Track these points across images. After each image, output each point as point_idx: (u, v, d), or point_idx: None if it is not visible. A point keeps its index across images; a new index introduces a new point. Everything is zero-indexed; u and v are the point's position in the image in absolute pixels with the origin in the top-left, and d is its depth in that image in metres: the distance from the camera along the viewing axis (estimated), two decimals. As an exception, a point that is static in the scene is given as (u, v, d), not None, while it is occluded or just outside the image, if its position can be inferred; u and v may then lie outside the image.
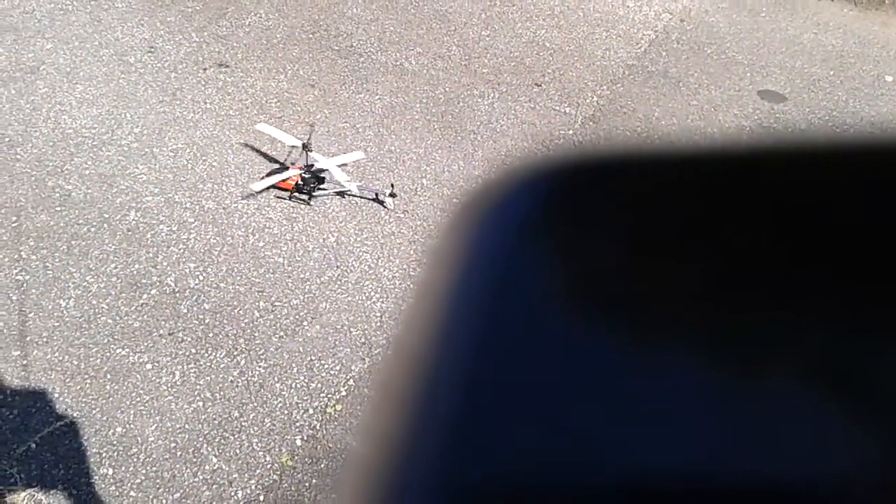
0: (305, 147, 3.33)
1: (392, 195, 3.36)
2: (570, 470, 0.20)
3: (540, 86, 4.30)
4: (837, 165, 0.26)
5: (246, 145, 3.63)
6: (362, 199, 3.41)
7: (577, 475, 0.20)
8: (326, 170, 3.36)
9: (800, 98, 4.34)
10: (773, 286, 0.22)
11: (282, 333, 2.84)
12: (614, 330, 0.22)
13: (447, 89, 4.19)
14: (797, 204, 0.24)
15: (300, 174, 3.33)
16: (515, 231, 0.26)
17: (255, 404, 2.61)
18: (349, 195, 3.40)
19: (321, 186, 3.37)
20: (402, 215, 3.40)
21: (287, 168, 3.42)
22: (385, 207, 3.39)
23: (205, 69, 4.16)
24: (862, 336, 0.21)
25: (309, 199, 3.36)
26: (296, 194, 3.35)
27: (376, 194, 3.39)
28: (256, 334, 2.82)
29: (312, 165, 3.36)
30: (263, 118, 3.81)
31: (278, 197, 3.38)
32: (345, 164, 3.44)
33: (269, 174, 3.40)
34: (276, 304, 2.94)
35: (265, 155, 3.57)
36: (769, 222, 0.23)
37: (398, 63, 4.37)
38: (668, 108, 4.19)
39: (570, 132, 4.01)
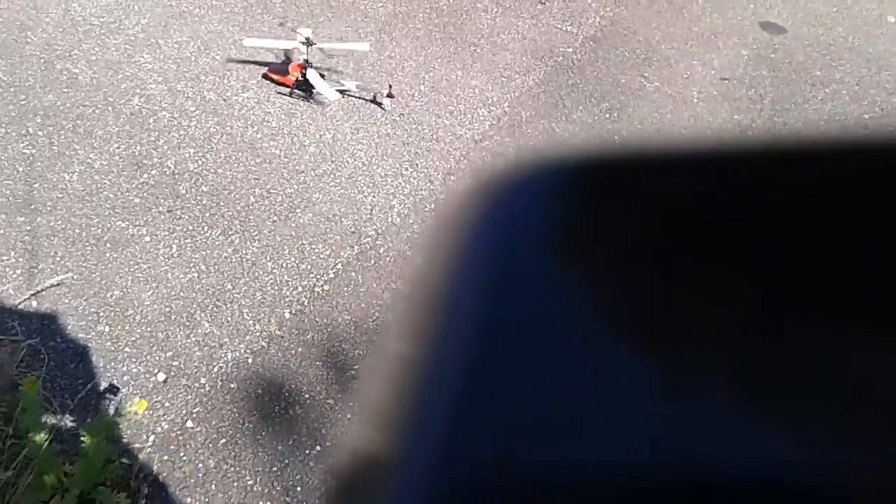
0: (308, 42, 3.41)
1: (390, 95, 3.45)
2: (571, 468, 0.20)
3: (544, 3, 4.34)
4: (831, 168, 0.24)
5: (240, 62, 3.70)
6: (360, 101, 3.49)
7: (579, 474, 0.20)
8: (328, 69, 3.46)
9: (800, 31, 4.38)
10: (779, 287, 0.22)
11: (275, 218, 2.96)
12: (618, 330, 0.22)
13: (451, 1, 4.23)
14: (803, 204, 0.23)
15: (300, 69, 3.41)
16: (516, 227, 0.25)
17: (248, 279, 2.74)
18: (348, 95, 3.48)
19: (321, 86, 3.46)
20: (397, 118, 3.49)
21: (289, 62, 3.50)
22: (382, 109, 3.47)
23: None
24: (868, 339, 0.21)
25: (309, 95, 3.44)
26: (296, 91, 3.44)
27: (374, 96, 3.48)
28: (251, 217, 2.94)
29: (311, 63, 3.44)
30: (268, 17, 3.87)
31: (278, 93, 3.46)
32: (349, 52, 3.60)
33: (271, 69, 3.49)
34: (272, 191, 3.06)
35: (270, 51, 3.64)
36: (762, 222, 0.23)
37: (404, -27, 4.40)
38: (669, 33, 4.24)
39: (570, 50, 4.07)
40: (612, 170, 0.27)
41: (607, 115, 3.74)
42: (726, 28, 4.32)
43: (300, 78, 3.41)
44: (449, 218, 0.27)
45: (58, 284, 2.61)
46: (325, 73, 3.47)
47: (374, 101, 3.49)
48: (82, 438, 2.17)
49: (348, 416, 2.49)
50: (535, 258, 0.25)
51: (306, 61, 3.42)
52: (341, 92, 3.48)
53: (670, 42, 4.17)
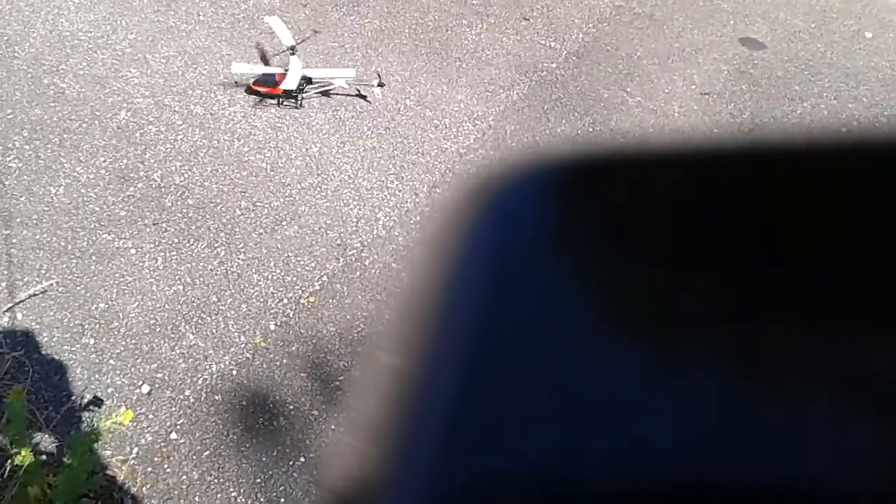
0: (292, 50, 3.47)
1: (381, 84, 3.58)
2: (572, 468, 0.20)
3: (528, 20, 4.40)
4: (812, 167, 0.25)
5: (234, 62, 3.73)
6: (347, 116, 3.53)
7: (581, 474, 0.20)
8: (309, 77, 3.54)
9: (779, 47, 4.46)
10: (769, 286, 0.22)
11: (261, 231, 2.98)
12: (613, 338, 0.22)
13: (436, 17, 4.29)
14: (787, 202, 0.23)
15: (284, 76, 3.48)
16: (513, 226, 0.25)
17: (233, 291, 2.76)
18: (334, 93, 3.56)
19: (308, 87, 3.53)
20: (383, 132, 3.53)
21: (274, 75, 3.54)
22: (367, 101, 3.57)
23: (200, -17, 4.24)
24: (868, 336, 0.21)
25: (298, 103, 3.49)
26: (285, 101, 3.48)
27: (359, 90, 3.57)
28: (237, 230, 2.97)
29: (295, 50, 3.53)
30: (255, 32, 3.90)
31: (269, 101, 3.50)
32: (331, 80, 3.59)
33: (257, 80, 3.53)
34: (258, 204, 3.08)
35: (262, 56, 3.67)
36: (756, 219, 0.23)
37: (390, -11, 4.45)
38: (651, 49, 4.30)
39: (554, 65, 4.12)
40: (595, 171, 0.27)
41: (590, 129, 3.79)
42: (706, 44, 4.39)
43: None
44: (437, 226, 0.26)
45: (42, 293, 2.62)
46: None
47: (359, 94, 3.58)
48: (66, 450, 2.17)
49: (339, 428, 2.51)
50: (527, 263, 0.24)
51: (292, 48, 3.51)
52: (325, 93, 3.54)
53: (651, 58, 4.23)
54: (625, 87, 4.05)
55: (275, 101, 3.51)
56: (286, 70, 3.48)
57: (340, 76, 3.62)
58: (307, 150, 3.35)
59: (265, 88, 3.48)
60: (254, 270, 2.83)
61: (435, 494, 0.21)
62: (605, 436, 0.20)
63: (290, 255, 2.92)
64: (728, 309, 0.22)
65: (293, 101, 3.50)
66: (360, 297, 2.86)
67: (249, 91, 3.53)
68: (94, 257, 2.77)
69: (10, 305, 2.57)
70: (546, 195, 0.26)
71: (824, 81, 4.27)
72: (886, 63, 4.51)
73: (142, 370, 2.51)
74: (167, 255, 2.83)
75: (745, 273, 0.22)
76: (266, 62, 3.58)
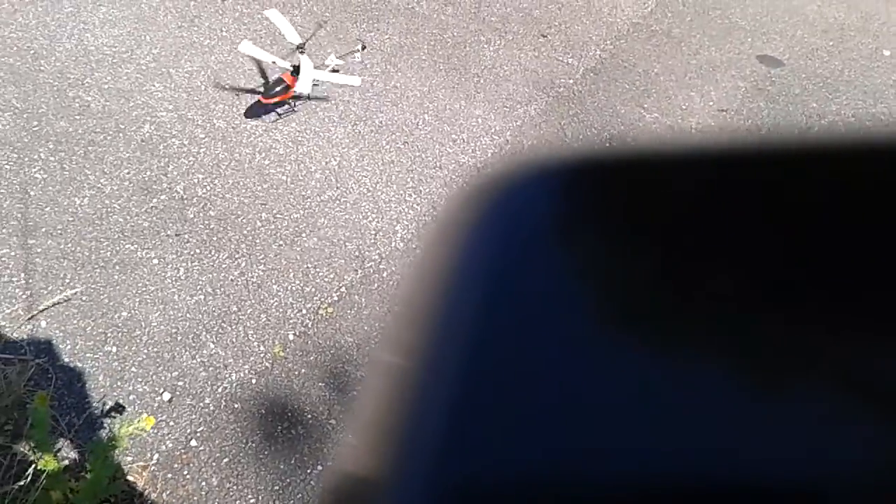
0: (301, 48, 3.51)
1: (363, 47, 3.81)
2: (573, 466, 0.20)
3: (545, 36, 4.44)
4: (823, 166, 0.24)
5: (238, 68, 3.79)
6: (367, 131, 3.57)
7: (581, 472, 0.20)
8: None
9: (797, 64, 4.47)
10: (772, 286, 0.22)
11: (281, 242, 3.02)
12: (619, 327, 0.22)
13: (455, 34, 4.34)
14: (794, 204, 0.23)
15: (290, 74, 3.51)
16: (517, 227, 0.25)
17: (253, 301, 2.79)
18: (320, 83, 3.64)
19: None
20: (402, 146, 3.57)
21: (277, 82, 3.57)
22: (353, 86, 3.70)
23: (223, 0, 4.31)
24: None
25: (294, 106, 3.60)
26: (295, 104, 3.57)
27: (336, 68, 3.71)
28: (257, 241, 3.00)
29: (304, 48, 3.54)
30: (277, 48, 3.96)
31: (287, 106, 3.58)
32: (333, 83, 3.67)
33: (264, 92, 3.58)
34: (278, 216, 3.12)
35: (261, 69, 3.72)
36: (762, 222, 0.23)
37: (410, 6, 4.51)
38: (668, 66, 4.33)
39: (571, 81, 4.15)
40: (597, 170, 0.27)
41: (607, 145, 3.80)
42: (724, 61, 4.41)
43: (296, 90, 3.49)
44: (440, 226, 0.26)
45: (66, 301, 2.66)
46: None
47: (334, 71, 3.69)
48: (88, 456, 2.20)
49: (348, 434, 2.52)
50: (529, 262, 0.24)
51: (300, 46, 3.52)
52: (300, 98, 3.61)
53: (669, 74, 4.25)
54: (642, 103, 4.08)
55: (285, 110, 3.56)
56: (293, 68, 3.49)
57: (345, 83, 3.67)
58: (327, 163, 3.40)
59: (276, 98, 3.52)
60: (273, 281, 2.87)
61: (437, 495, 0.21)
62: (606, 441, 0.20)
63: (310, 266, 2.95)
64: (731, 308, 0.22)
65: (303, 100, 3.56)
66: (377, 308, 2.88)
67: (251, 113, 3.56)
68: (117, 267, 2.81)
69: (34, 313, 2.62)
70: (548, 194, 0.26)
71: (842, 98, 4.28)
72: (905, 80, 4.51)
73: (163, 378, 2.54)
74: (189, 265, 2.87)
75: (749, 273, 0.22)
76: (301, 47, 3.57)
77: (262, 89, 3.61)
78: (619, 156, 0.28)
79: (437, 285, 0.25)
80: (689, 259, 0.23)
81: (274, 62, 3.54)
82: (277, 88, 3.51)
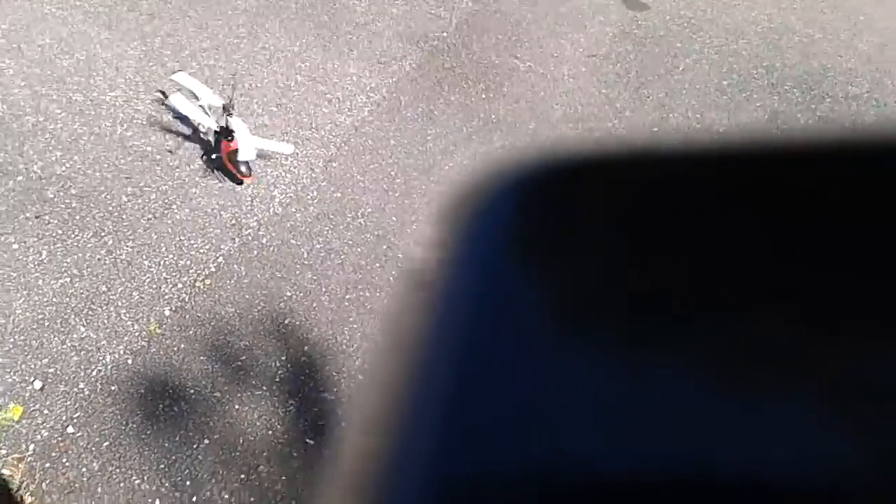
0: (227, 110, 2.98)
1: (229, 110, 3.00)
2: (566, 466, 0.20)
3: (416, -10, 4.40)
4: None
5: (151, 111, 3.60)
6: (236, 96, 3.47)
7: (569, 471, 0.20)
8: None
9: (662, 7, 4.60)
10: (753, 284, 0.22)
11: (150, 216, 2.92)
12: (608, 330, 0.22)
13: (323, -10, 4.24)
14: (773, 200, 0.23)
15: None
16: (505, 233, 0.25)
17: (123, 279, 2.70)
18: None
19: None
20: (274, 109, 3.49)
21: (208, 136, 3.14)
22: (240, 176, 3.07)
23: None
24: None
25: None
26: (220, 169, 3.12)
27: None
28: (124, 217, 2.89)
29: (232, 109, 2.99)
30: (134, 14, 3.78)
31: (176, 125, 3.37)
32: (265, 151, 3.18)
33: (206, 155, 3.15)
34: (145, 189, 3.01)
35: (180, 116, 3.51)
36: (744, 223, 0.23)
37: (274, -36, 4.37)
38: (538, 14, 4.37)
39: (444, 34, 4.14)
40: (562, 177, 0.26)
41: (483, 96, 3.84)
42: (592, 8, 4.49)
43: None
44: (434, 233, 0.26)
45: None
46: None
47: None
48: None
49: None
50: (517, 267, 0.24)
51: (226, 108, 2.97)
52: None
53: (539, 24, 4.30)
54: (515, 53, 4.11)
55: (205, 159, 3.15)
56: (221, 129, 2.99)
57: (278, 150, 3.21)
58: (196, 130, 3.28)
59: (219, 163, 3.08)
60: (144, 257, 2.78)
61: (434, 485, 0.21)
62: (594, 442, 0.20)
63: (183, 238, 2.87)
64: (703, 304, 0.22)
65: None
66: (258, 275, 2.84)
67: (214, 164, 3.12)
68: (-28, 255, 2.66)
69: None
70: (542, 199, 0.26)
71: (705, 38, 4.43)
72: (764, 17, 4.71)
73: (32, 366, 2.44)
74: (52, 247, 2.74)
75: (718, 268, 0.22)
76: (227, 108, 2.99)
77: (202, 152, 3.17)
78: (581, 157, 0.27)
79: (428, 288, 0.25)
80: (654, 256, 0.23)
81: (202, 106, 3.10)
82: (214, 156, 3.09)
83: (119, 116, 3.26)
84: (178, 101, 3.12)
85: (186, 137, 3.22)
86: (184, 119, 3.23)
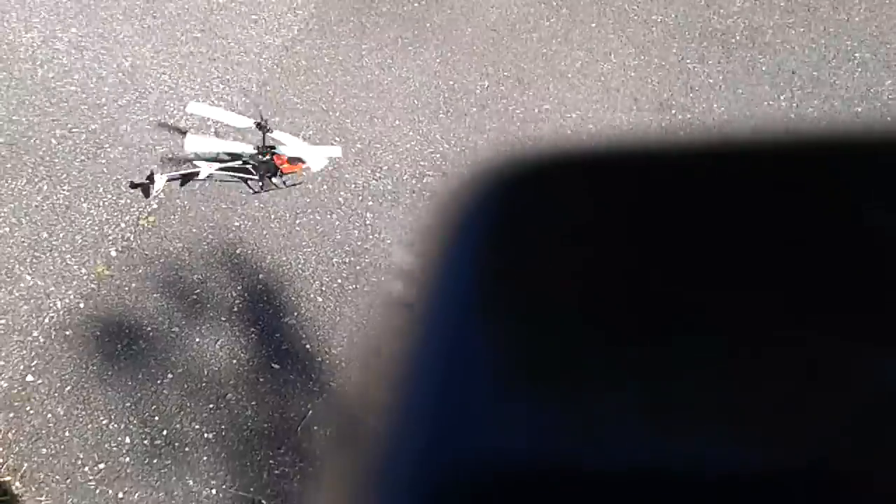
0: (262, 128, 2.70)
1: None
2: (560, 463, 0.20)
3: None
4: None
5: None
6: (156, 24, 3.33)
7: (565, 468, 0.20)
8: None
9: None
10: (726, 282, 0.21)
11: (83, 157, 2.84)
12: (598, 329, 0.22)
13: None
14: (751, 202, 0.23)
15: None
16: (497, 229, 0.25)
17: (64, 224, 2.64)
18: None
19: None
20: (199, 35, 3.36)
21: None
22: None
23: None
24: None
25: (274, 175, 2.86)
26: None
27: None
28: (56, 160, 2.81)
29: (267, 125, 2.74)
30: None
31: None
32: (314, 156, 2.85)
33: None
34: (74, 130, 2.91)
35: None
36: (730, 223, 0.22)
37: None
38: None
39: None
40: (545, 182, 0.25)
41: (416, 4, 3.74)
42: None
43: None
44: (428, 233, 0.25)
45: None
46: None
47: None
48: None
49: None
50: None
51: (261, 126, 2.70)
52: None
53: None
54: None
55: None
56: (260, 148, 2.75)
57: (330, 154, 2.90)
58: (118, 65, 3.16)
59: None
60: (82, 199, 2.71)
61: (428, 472, 0.21)
62: (586, 434, 0.20)
63: (120, 177, 2.80)
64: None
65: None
66: (203, 208, 2.80)
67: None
68: None
69: None
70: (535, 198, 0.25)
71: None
72: None
73: (-20, 320, 2.40)
74: (-16, 199, 2.66)
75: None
76: (262, 126, 2.73)
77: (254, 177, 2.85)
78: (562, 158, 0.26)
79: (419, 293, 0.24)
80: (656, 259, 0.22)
81: (228, 124, 2.82)
82: (272, 178, 2.84)
83: (38, 58, 3.12)
84: (196, 144, 2.75)
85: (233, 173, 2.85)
86: (211, 157, 2.82)
